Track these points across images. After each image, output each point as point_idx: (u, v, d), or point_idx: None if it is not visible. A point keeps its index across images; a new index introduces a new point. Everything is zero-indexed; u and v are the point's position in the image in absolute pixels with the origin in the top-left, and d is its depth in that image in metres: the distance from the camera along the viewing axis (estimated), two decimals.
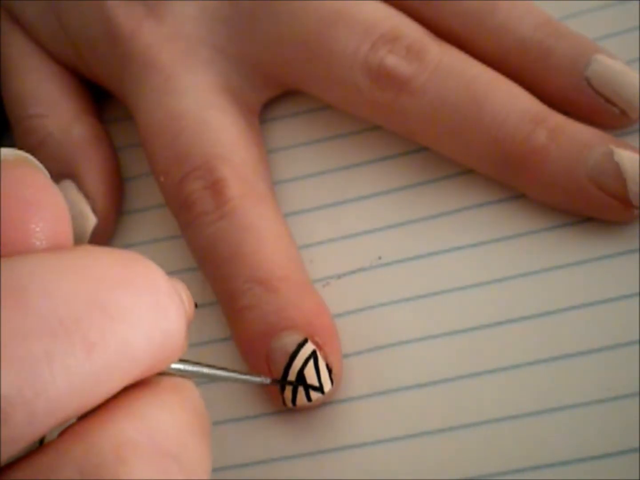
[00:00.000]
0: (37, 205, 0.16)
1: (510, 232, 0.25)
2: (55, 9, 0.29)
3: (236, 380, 0.22)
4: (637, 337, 0.23)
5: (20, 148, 0.29)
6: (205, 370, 0.19)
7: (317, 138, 0.28)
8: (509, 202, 0.26)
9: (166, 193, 0.27)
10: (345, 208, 0.27)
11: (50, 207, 0.16)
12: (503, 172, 0.25)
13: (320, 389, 0.24)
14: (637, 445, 0.22)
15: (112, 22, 0.28)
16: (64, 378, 0.14)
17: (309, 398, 0.24)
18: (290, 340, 0.24)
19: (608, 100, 0.25)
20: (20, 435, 0.14)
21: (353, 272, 0.26)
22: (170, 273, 0.27)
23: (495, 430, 0.23)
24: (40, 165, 0.17)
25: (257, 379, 0.23)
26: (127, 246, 0.29)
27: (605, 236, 0.25)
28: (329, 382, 0.24)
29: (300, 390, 0.23)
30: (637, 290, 0.24)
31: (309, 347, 0.24)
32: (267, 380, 0.23)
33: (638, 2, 0.28)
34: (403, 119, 0.26)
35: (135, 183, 0.30)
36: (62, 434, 0.15)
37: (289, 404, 0.24)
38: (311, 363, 0.23)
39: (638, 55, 0.27)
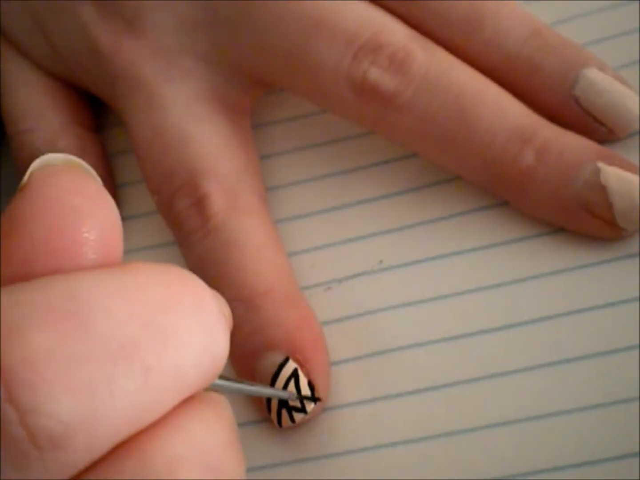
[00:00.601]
0: (88, 213, 0.16)
1: (510, 236, 0.25)
2: (42, 29, 0.29)
3: (263, 394, 0.23)
4: (636, 342, 0.23)
5: (15, 163, 0.30)
6: (236, 385, 0.20)
7: (317, 142, 0.28)
8: (509, 206, 0.26)
9: (160, 211, 0.27)
10: (346, 212, 0.27)
11: (101, 216, 0.16)
12: (492, 189, 0.26)
13: (302, 409, 0.24)
14: (637, 449, 0.22)
15: (94, 41, 0.28)
16: (122, 403, 0.14)
17: (292, 419, 0.24)
18: (271, 362, 0.24)
19: (596, 120, 0.25)
20: (80, 460, 0.14)
21: (354, 276, 0.26)
22: None
23: (494, 436, 0.23)
24: (92, 171, 0.17)
25: (285, 394, 0.23)
26: (125, 253, 0.29)
27: (605, 241, 0.24)
28: (311, 402, 0.24)
29: (284, 412, 0.24)
30: (637, 295, 0.24)
31: (289, 367, 0.24)
32: (293, 396, 0.23)
33: (638, 3, 0.28)
34: (391, 132, 0.26)
35: (137, 188, 0.30)
36: (114, 449, 0.15)
37: (277, 426, 0.24)
38: (292, 384, 0.24)
39: (637, 58, 0.27)
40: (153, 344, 0.15)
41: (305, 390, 0.24)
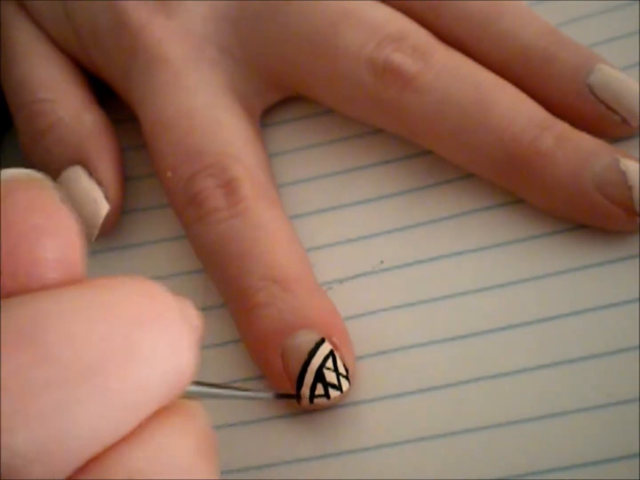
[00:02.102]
0: (49, 232, 0.15)
1: (512, 237, 0.25)
2: (64, 2, 0.29)
3: (240, 397, 0.22)
4: (638, 343, 0.23)
5: (24, 132, 0.29)
6: (210, 390, 0.19)
7: (319, 141, 0.28)
8: (511, 206, 0.26)
9: (172, 189, 0.27)
10: (347, 212, 0.27)
11: (63, 234, 0.15)
12: (505, 176, 0.25)
13: (339, 387, 0.23)
14: (638, 450, 0.22)
15: (121, 13, 0.27)
16: (83, 427, 0.14)
17: (327, 396, 0.23)
18: (307, 339, 0.24)
19: (609, 108, 0.25)
20: None
21: (355, 276, 0.26)
22: (168, 276, 0.27)
23: (496, 436, 0.23)
24: (54, 186, 0.16)
25: (263, 395, 0.23)
26: (124, 247, 0.29)
27: (607, 241, 0.25)
28: (346, 381, 0.24)
29: (319, 388, 0.23)
30: (638, 296, 0.24)
31: (326, 347, 0.24)
32: (270, 395, 0.23)
33: (638, 6, 0.28)
34: (406, 117, 0.26)
35: (138, 183, 0.30)
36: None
37: (306, 402, 0.24)
38: (330, 361, 0.23)
39: (637, 60, 0.27)
40: (116, 365, 0.14)
41: (342, 370, 0.24)
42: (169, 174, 0.26)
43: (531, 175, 0.25)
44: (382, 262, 0.26)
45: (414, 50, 0.26)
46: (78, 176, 0.27)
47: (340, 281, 0.26)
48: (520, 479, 0.22)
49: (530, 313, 0.24)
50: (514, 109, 0.25)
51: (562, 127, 0.25)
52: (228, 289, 0.25)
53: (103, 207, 0.27)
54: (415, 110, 0.25)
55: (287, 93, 0.29)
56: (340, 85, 0.27)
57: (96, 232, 0.27)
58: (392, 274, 0.26)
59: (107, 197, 0.27)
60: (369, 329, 0.25)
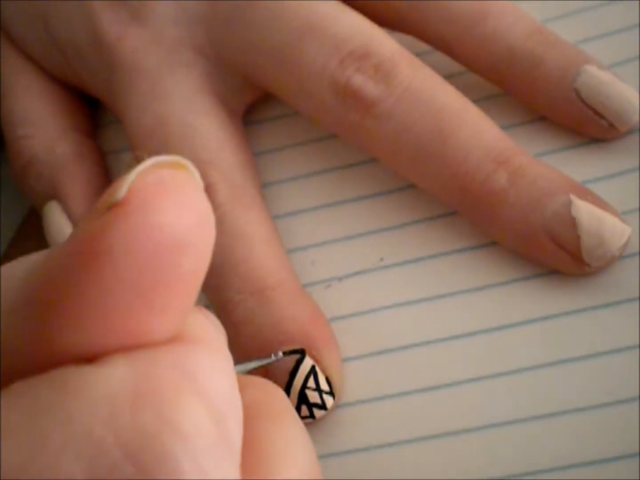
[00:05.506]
0: (189, 244, 0.13)
1: None
2: (43, 18, 0.29)
3: (248, 368, 0.22)
4: (637, 342, 0.23)
5: (13, 169, 0.29)
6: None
7: (317, 137, 0.28)
8: None
9: None
10: (346, 208, 0.27)
11: (202, 251, 0.14)
12: (460, 207, 0.25)
13: (322, 406, 0.24)
14: (637, 450, 0.22)
15: (97, 28, 0.27)
16: None
17: (313, 416, 0.24)
18: (288, 357, 0.23)
19: (596, 113, 0.25)
20: None
21: (355, 274, 0.26)
22: None
23: (495, 435, 0.23)
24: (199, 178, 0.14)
25: (269, 359, 0.22)
26: None
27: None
28: (330, 398, 0.24)
29: (304, 410, 0.23)
30: (638, 295, 0.24)
31: (307, 363, 0.23)
32: (279, 355, 0.22)
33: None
34: (366, 142, 0.26)
35: None
36: None
37: None
38: (312, 380, 0.23)
39: (632, 56, 0.27)
40: None
41: (324, 386, 0.24)
42: None
43: (483, 212, 0.24)
44: (382, 259, 0.26)
45: (376, 70, 0.25)
46: (53, 211, 0.28)
47: (339, 279, 0.26)
48: (519, 478, 0.22)
49: (530, 311, 0.24)
50: (471, 140, 0.24)
51: (519, 161, 0.24)
52: (211, 302, 0.25)
53: None
54: (375, 136, 0.25)
55: (264, 91, 0.28)
56: (305, 100, 0.26)
57: None
58: (392, 271, 0.26)
59: None
60: (368, 327, 0.25)
